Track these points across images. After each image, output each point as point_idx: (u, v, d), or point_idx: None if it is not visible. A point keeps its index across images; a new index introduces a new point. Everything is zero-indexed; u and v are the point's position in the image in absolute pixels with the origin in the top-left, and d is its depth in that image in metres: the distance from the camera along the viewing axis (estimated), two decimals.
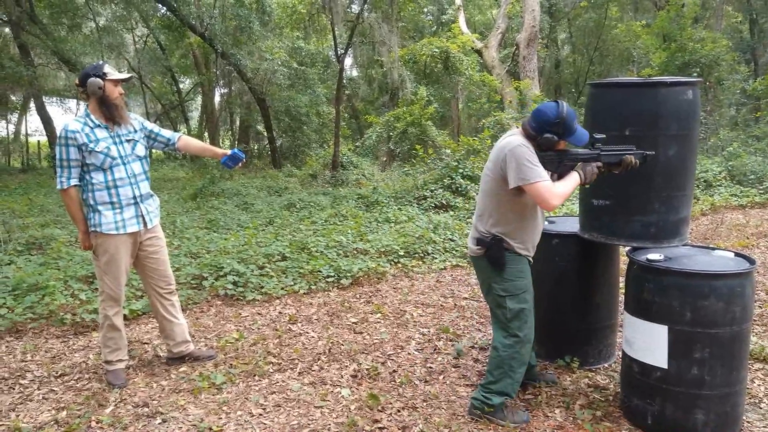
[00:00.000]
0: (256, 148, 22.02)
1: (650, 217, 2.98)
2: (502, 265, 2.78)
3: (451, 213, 8.50)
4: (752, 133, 13.21)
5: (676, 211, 2.99)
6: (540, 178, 2.57)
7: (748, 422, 2.84)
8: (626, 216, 3.03)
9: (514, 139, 2.71)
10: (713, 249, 3.01)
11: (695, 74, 13.42)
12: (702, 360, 2.60)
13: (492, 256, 2.78)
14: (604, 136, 2.75)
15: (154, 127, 3.50)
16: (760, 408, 2.99)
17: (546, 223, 3.61)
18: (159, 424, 2.89)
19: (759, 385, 3.23)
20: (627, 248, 3.05)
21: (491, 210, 2.79)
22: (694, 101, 2.94)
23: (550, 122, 2.66)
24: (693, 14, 15.22)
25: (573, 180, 2.68)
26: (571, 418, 2.91)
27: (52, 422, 2.90)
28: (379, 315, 4.57)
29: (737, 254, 2.87)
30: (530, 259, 2.87)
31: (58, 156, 3.16)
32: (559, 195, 2.58)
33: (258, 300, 4.92)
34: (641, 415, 2.79)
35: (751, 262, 2.74)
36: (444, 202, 9.02)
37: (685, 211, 3.05)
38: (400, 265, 6.01)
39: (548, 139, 2.67)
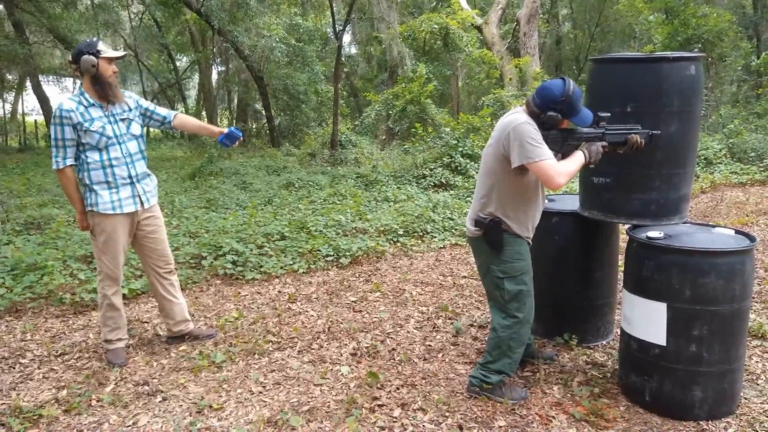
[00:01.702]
0: (254, 126, 21.90)
1: (650, 194, 2.96)
2: (500, 246, 2.75)
3: (451, 192, 8.48)
4: (753, 110, 13.13)
5: (676, 189, 2.97)
6: (544, 156, 2.52)
7: (746, 399, 2.86)
8: (626, 193, 3.01)
9: (517, 116, 2.65)
10: (713, 226, 3.00)
11: (697, 50, 13.29)
12: (701, 337, 2.60)
13: (490, 238, 2.76)
14: (608, 114, 2.71)
15: (150, 105, 3.46)
16: (758, 384, 3.01)
17: (545, 201, 3.59)
18: (159, 402, 2.91)
19: (757, 361, 3.25)
20: (627, 226, 3.04)
21: (491, 190, 2.75)
22: (697, 77, 2.90)
23: (555, 100, 2.60)
24: None
25: (578, 159, 2.63)
26: (569, 395, 2.92)
27: (53, 401, 2.91)
28: (378, 294, 4.57)
29: (737, 231, 2.86)
30: (529, 240, 2.85)
31: (53, 136, 3.12)
32: (565, 173, 2.54)
33: (257, 279, 4.93)
34: (639, 392, 2.80)
35: (752, 239, 2.73)
36: (443, 180, 8.99)
37: (685, 189, 3.03)
38: (399, 244, 6.01)
39: (552, 117, 2.61)
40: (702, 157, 10.03)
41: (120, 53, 3.28)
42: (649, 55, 2.98)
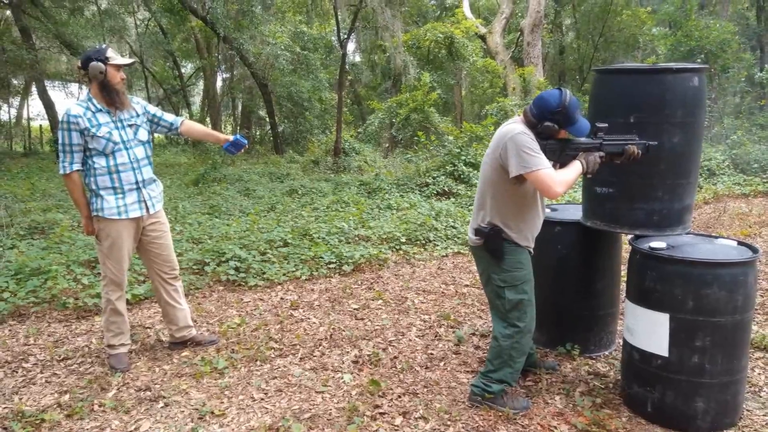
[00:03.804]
0: (258, 133, 21.96)
1: (654, 205, 2.96)
2: (500, 255, 2.76)
3: (453, 200, 8.50)
4: (756, 122, 13.14)
5: (680, 199, 2.98)
6: (542, 165, 2.54)
7: (748, 411, 2.85)
8: (629, 204, 3.02)
9: (514, 126, 2.67)
10: (716, 238, 3.00)
11: (700, 61, 13.32)
12: (703, 348, 2.60)
13: (491, 247, 2.77)
14: (606, 125, 2.72)
15: (157, 111, 3.48)
16: (761, 397, 3.00)
17: (548, 210, 3.60)
18: (161, 407, 2.91)
19: (759, 373, 3.24)
20: (629, 236, 3.05)
21: (490, 199, 2.77)
22: (700, 88, 2.91)
23: (552, 110, 2.62)
24: (698, 0, 15.07)
25: (575, 168, 2.65)
26: (571, 405, 2.92)
27: (55, 405, 2.92)
28: (380, 301, 4.58)
29: (740, 243, 2.87)
30: (530, 250, 2.86)
31: (60, 141, 3.14)
32: (562, 182, 2.55)
33: (260, 286, 4.94)
34: (641, 403, 2.80)
35: (754, 250, 2.73)
36: (446, 189, 9.01)
37: (688, 200, 3.04)
38: (401, 251, 6.01)
39: (548, 127, 2.63)
40: (705, 168, 10.04)
41: (128, 60, 3.31)
42: (652, 66, 3.00)
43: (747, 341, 2.72)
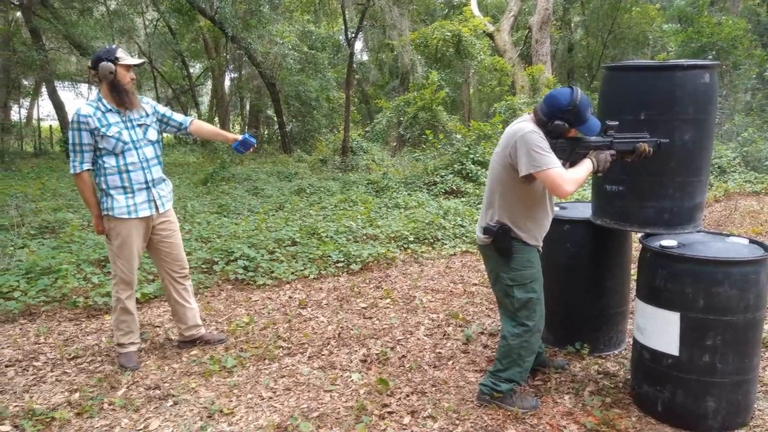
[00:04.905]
0: (266, 133, 22.03)
1: (664, 203, 2.94)
2: (509, 254, 2.74)
3: (462, 199, 8.47)
4: (767, 119, 13.01)
5: (690, 197, 2.95)
6: (552, 164, 2.52)
7: (760, 410, 2.82)
8: (640, 202, 2.99)
9: (524, 125, 2.66)
10: (727, 235, 2.97)
11: (711, 58, 13.21)
12: (714, 347, 2.58)
13: (500, 245, 2.75)
14: (617, 123, 2.70)
15: (167, 111, 3.49)
16: None
17: (557, 208, 3.58)
18: (170, 406, 2.93)
19: None
20: (640, 234, 3.02)
21: (499, 197, 2.75)
22: (712, 85, 2.88)
23: (562, 109, 2.60)
24: None
25: (586, 167, 2.63)
26: (581, 405, 2.90)
27: (65, 404, 2.94)
28: (388, 300, 4.57)
29: (752, 241, 2.84)
30: (539, 248, 2.84)
31: (70, 140, 3.17)
32: (572, 181, 2.53)
33: (268, 284, 4.95)
34: (651, 402, 2.78)
35: (766, 248, 2.70)
36: (454, 187, 8.99)
37: (699, 197, 3.01)
38: (409, 250, 6.00)
39: (558, 126, 2.61)
40: (716, 166, 9.96)
41: (138, 60, 3.33)
42: (663, 62, 2.97)
43: (759, 340, 2.69)
